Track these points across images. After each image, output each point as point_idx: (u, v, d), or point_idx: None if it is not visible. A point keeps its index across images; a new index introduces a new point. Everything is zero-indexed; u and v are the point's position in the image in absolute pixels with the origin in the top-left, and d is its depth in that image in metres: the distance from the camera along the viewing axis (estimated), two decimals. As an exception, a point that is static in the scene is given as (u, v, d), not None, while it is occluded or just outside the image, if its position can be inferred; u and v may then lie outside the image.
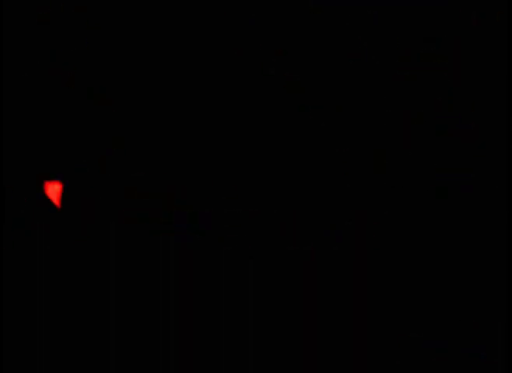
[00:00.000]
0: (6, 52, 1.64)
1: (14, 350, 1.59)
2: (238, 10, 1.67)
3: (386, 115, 1.68)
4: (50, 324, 1.61)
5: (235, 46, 1.68)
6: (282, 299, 1.63)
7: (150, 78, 1.67)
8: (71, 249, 1.63)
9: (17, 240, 1.62)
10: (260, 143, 1.68)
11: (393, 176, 1.66)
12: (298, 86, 1.68)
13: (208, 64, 1.68)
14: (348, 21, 1.67)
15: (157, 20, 1.68)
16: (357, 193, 1.66)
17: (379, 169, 1.66)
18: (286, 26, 1.68)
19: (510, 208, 1.62)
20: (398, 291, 1.63)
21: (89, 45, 1.67)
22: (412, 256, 1.64)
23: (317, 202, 1.66)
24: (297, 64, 1.68)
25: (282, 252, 1.64)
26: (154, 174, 1.66)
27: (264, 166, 1.67)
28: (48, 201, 1.63)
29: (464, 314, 1.62)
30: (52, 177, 1.54)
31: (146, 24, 1.67)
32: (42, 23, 1.65)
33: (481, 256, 1.63)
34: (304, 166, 1.67)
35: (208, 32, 1.68)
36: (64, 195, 1.64)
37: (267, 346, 1.61)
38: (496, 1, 1.66)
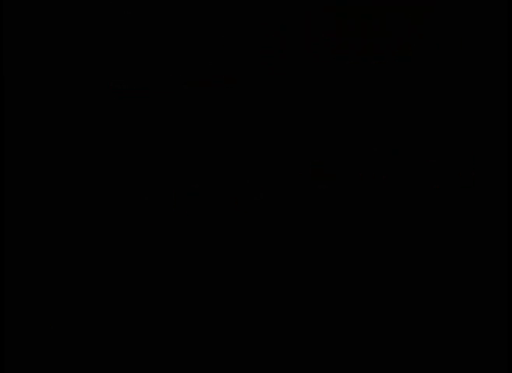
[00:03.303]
0: (6, 52, 1.64)
1: (14, 349, 1.59)
2: (238, 10, 1.67)
3: (386, 115, 1.68)
4: (50, 323, 1.60)
5: (235, 45, 1.68)
6: (282, 299, 1.63)
7: (150, 78, 1.67)
8: (71, 249, 1.63)
9: (17, 240, 1.62)
10: (260, 143, 1.68)
11: (393, 176, 1.66)
12: (298, 86, 1.68)
13: (208, 64, 1.68)
14: (348, 21, 1.67)
15: (157, 20, 1.68)
16: (357, 193, 1.66)
17: (379, 168, 1.66)
18: (286, 25, 1.68)
19: (510, 208, 1.62)
20: (397, 290, 1.63)
21: (88, 45, 1.67)
22: (412, 255, 1.64)
23: (317, 202, 1.66)
24: (297, 63, 1.68)
25: (282, 251, 1.64)
26: (154, 174, 1.66)
27: (264, 166, 1.67)
28: (47, 201, 1.63)
29: (464, 314, 1.62)
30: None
31: (146, 24, 1.67)
32: (42, 23, 1.66)
33: (481, 255, 1.63)
34: (304, 166, 1.67)
35: (208, 32, 1.68)
36: (66, 195, 1.64)
37: (267, 345, 1.61)
38: (496, 1, 1.66)
